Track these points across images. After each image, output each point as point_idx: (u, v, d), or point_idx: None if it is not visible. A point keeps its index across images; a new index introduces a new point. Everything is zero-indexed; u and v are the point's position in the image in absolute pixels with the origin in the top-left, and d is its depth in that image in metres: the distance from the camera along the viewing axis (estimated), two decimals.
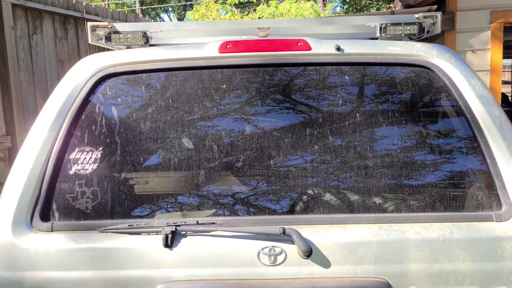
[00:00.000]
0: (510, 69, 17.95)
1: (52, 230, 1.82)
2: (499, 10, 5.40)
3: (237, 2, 15.18)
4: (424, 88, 1.97)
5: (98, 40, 2.37)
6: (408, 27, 2.23)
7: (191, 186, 1.90)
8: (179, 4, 29.56)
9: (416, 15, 2.23)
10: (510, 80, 15.99)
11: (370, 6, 24.07)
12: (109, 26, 2.32)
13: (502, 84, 6.55)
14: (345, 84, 2.02)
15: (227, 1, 15.46)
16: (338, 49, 1.99)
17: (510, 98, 11.08)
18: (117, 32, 2.33)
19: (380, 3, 23.70)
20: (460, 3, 5.46)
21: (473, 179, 1.86)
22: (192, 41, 2.57)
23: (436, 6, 5.30)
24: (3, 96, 4.84)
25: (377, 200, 1.85)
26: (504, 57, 6.17)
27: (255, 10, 16.35)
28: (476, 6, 5.44)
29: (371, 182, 1.85)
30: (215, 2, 15.57)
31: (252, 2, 16.62)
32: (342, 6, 26.42)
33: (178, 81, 2.02)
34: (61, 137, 1.90)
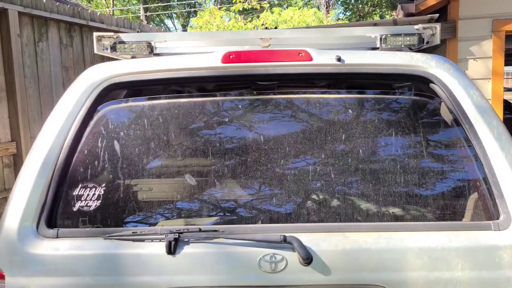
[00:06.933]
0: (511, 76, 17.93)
1: (57, 237, 1.85)
2: (500, 18, 5.44)
3: (241, 9, 15.26)
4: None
5: (103, 50, 2.41)
6: (408, 38, 2.26)
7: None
8: (184, 10, 29.72)
9: (416, 26, 2.26)
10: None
11: (374, 13, 24.13)
12: (115, 37, 2.36)
13: (504, 91, 6.57)
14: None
15: (231, 8, 15.55)
16: (339, 59, 2.02)
17: None
18: (122, 42, 2.37)
19: (383, 9, 23.78)
20: (462, 12, 5.49)
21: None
22: (196, 50, 2.61)
23: (438, 14, 5.34)
24: (9, 103, 4.89)
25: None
26: (506, 65, 6.19)
27: (258, 17, 16.43)
28: (478, 15, 5.47)
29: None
30: (219, 9, 15.66)
31: (256, 9, 16.71)
32: (345, 13, 26.54)
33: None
34: (67, 145, 1.93)
